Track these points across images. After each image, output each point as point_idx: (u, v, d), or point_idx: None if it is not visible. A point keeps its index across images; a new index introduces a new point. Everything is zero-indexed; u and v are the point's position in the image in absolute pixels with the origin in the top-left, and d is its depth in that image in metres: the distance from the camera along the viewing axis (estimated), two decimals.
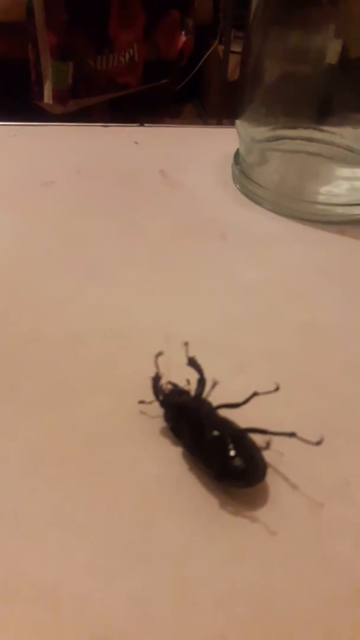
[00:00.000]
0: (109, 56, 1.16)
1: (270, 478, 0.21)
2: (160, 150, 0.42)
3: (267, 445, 0.20)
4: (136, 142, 0.42)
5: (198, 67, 1.50)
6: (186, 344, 0.23)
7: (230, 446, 0.20)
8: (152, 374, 0.22)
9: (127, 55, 1.19)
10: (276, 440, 0.21)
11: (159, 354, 0.23)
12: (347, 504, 0.21)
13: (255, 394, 0.22)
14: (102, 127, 0.44)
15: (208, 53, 1.56)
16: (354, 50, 0.40)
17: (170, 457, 0.22)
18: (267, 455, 0.21)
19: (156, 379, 0.22)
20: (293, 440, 0.21)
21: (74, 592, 0.18)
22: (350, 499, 0.21)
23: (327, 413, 0.24)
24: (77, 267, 0.30)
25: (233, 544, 0.19)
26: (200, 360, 0.24)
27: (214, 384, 0.22)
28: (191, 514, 0.20)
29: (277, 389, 0.22)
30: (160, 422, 0.23)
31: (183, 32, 1.24)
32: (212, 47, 1.57)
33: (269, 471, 0.21)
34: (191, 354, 0.24)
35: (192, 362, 0.23)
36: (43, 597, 0.18)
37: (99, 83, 1.16)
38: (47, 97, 1.06)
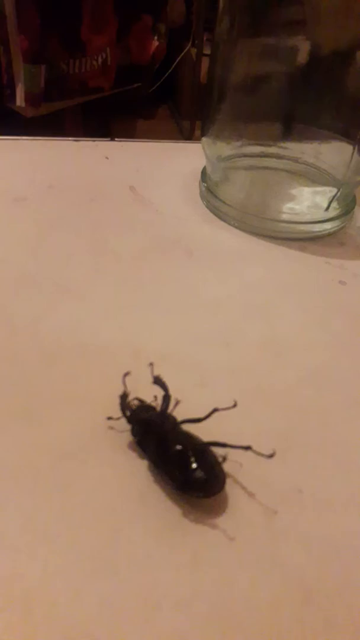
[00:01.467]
0: (81, 60, 1.16)
1: (229, 487, 0.23)
2: (130, 165, 0.43)
3: (224, 459, 0.22)
4: (107, 157, 0.44)
5: (171, 69, 1.51)
6: (151, 364, 0.25)
7: (192, 459, 0.22)
8: (120, 392, 0.24)
9: (99, 59, 1.19)
10: (236, 452, 0.23)
11: (127, 374, 0.24)
12: (299, 511, 0.23)
13: (215, 410, 0.23)
14: (73, 142, 0.45)
15: (181, 56, 1.58)
16: (318, 64, 0.42)
17: (136, 470, 0.23)
18: (226, 466, 0.23)
19: (123, 397, 0.24)
20: (251, 452, 0.23)
21: (44, 598, 0.19)
22: (302, 506, 0.23)
23: (283, 425, 0.26)
24: (48, 284, 0.32)
25: (194, 550, 0.21)
26: (166, 375, 0.25)
27: (176, 402, 0.24)
28: (155, 523, 0.22)
29: (234, 405, 0.23)
30: (127, 437, 0.24)
31: (155, 37, 1.25)
32: (185, 50, 1.58)
33: (228, 481, 0.23)
34: (157, 371, 0.25)
35: (157, 381, 0.24)
36: (15, 602, 0.19)
37: (72, 86, 1.16)
38: (20, 100, 1.06)
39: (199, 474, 0.21)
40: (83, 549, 0.21)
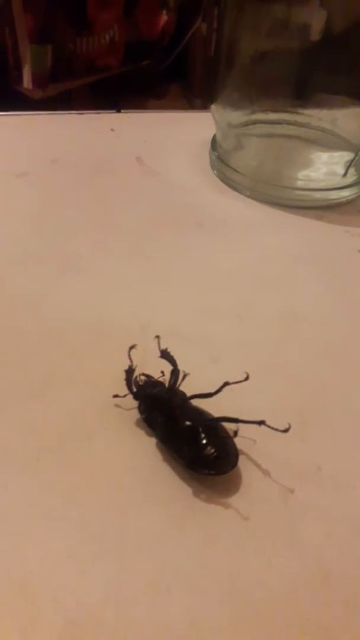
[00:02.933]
0: (88, 38, 1.14)
1: (243, 465, 0.21)
2: (136, 136, 0.41)
3: (235, 433, 0.21)
4: (112, 129, 0.42)
5: (182, 46, 1.47)
6: (158, 337, 0.24)
7: (202, 435, 0.21)
8: (126, 367, 0.23)
9: (107, 37, 1.17)
10: (249, 428, 0.22)
11: (132, 347, 0.23)
12: (317, 489, 0.21)
13: (226, 384, 0.22)
14: (78, 115, 0.44)
15: (192, 31, 1.54)
16: (335, 27, 0.39)
17: (144, 448, 0.22)
18: (239, 443, 0.22)
19: (129, 371, 0.22)
20: (265, 428, 0.22)
21: (48, 581, 0.18)
22: (321, 484, 0.21)
23: (300, 400, 0.25)
24: (52, 259, 0.30)
25: (205, 530, 0.20)
26: (175, 351, 0.24)
27: (184, 375, 0.22)
28: (165, 502, 0.20)
29: (246, 378, 0.22)
30: (134, 414, 0.23)
31: (164, 11, 1.22)
32: (196, 25, 1.55)
33: (242, 458, 0.22)
34: (165, 346, 0.24)
35: (165, 354, 0.23)
36: (18, 585, 0.18)
37: (79, 66, 1.14)
38: (27, 82, 1.04)
39: (210, 450, 0.20)
40: (89, 530, 0.20)
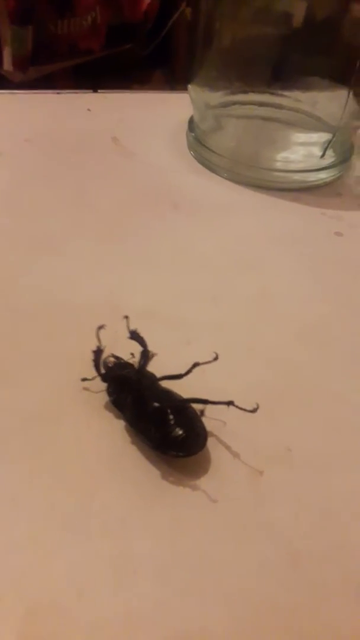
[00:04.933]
0: (70, 20, 1.11)
1: (212, 447, 0.21)
2: (113, 116, 0.40)
3: (202, 413, 0.20)
4: (89, 109, 0.41)
5: (166, 30, 1.44)
6: (126, 317, 0.23)
7: (171, 416, 0.20)
8: (94, 348, 0.22)
9: (89, 19, 1.14)
10: (219, 409, 0.21)
11: (101, 327, 0.22)
12: (287, 471, 0.21)
13: (196, 364, 0.21)
14: (54, 94, 0.43)
15: (176, 16, 1.52)
16: (316, 12, 0.39)
17: (112, 431, 0.22)
18: (209, 424, 0.21)
19: (97, 352, 0.22)
20: (235, 409, 0.21)
21: (10, 567, 0.18)
22: (290, 465, 0.21)
23: (273, 381, 0.24)
24: (23, 239, 0.30)
25: (173, 513, 0.19)
26: (149, 333, 0.23)
27: (152, 355, 0.22)
28: (132, 485, 0.20)
29: (216, 358, 0.22)
30: (103, 397, 0.22)
31: None
32: (180, 10, 1.53)
33: (211, 440, 0.21)
34: (139, 327, 0.23)
35: (134, 335, 0.22)
36: None
37: (61, 48, 1.11)
38: (7, 64, 1.02)
39: (178, 431, 0.20)
40: (53, 515, 0.19)
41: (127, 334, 0.23)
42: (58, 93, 0.43)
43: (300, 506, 0.20)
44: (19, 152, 0.36)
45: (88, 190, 0.33)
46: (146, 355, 0.22)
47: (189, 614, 0.17)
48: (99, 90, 0.44)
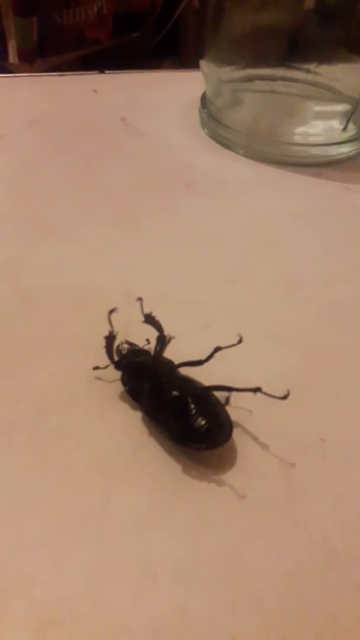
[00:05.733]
0: (75, 10, 1.09)
1: (238, 438, 0.19)
2: (121, 97, 0.39)
3: (227, 401, 0.19)
4: (95, 90, 0.39)
5: (174, 19, 1.42)
6: (140, 299, 0.21)
7: (192, 405, 0.18)
8: (106, 333, 0.20)
9: (94, 8, 1.12)
10: (244, 397, 0.20)
11: (113, 310, 0.20)
12: (321, 463, 0.19)
13: (218, 349, 0.20)
14: (58, 77, 0.41)
15: (184, 4, 1.49)
16: None
17: (128, 422, 0.20)
18: (233, 414, 0.19)
19: (110, 338, 0.20)
20: (262, 397, 0.19)
21: (20, 571, 0.16)
22: (324, 457, 0.19)
23: (300, 366, 0.22)
24: (29, 223, 0.28)
25: (197, 511, 0.18)
26: (164, 318, 0.21)
27: (169, 339, 0.20)
28: (151, 481, 0.18)
29: (240, 341, 0.20)
30: (118, 387, 0.21)
31: None
32: (184, 2, 1.50)
33: (237, 431, 0.19)
34: (152, 311, 0.22)
35: (149, 319, 0.21)
36: None
37: (67, 39, 1.09)
38: (12, 57, 1.00)
39: (200, 421, 0.18)
40: (65, 515, 0.18)
41: (142, 318, 0.21)
42: (62, 75, 0.41)
43: (336, 500, 0.18)
44: (23, 135, 0.34)
45: (96, 172, 0.32)
46: (163, 341, 0.20)
47: (216, 622, 0.16)
48: (105, 72, 0.42)
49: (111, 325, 0.20)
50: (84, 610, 0.16)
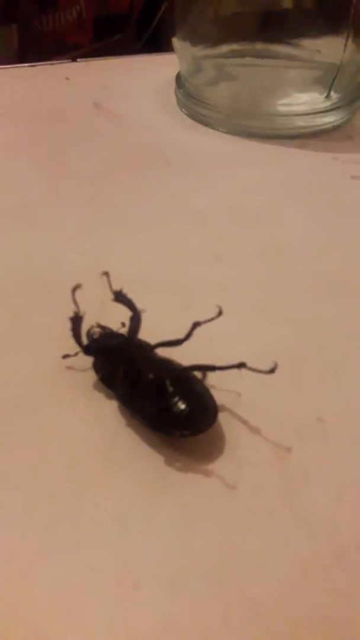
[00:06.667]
0: (54, 15, 1.08)
1: (226, 423, 0.17)
2: (94, 83, 0.37)
3: (204, 377, 0.16)
4: (67, 78, 0.37)
5: (156, 21, 1.40)
6: (106, 273, 0.19)
7: (170, 388, 0.16)
8: (71, 315, 0.18)
9: (74, 12, 1.10)
10: (231, 379, 0.17)
11: (77, 287, 0.18)
12: (321, 446, 0.17)
13: (197, 325, 0.17)
14: (29, 67, 0.39)
15: (165, 5, 1.49)
16: None
17: (103, 413, 0.18)
18: (220, 397, 0.17)
19: (76, 320, 0.18)
20: (251, 377, 0.17)
21: None
22: (325, 438, 0.17)
23: (296, 343, 0.20)
24: None
25: (182, 508, 0.16)
26: (142, 300, 0.19)
27: (139, 313, 0.18)
28: (129, 477, 0.16)
29: (220, 313, 0.18)
30: (91, 376, 0.19)
31: None
32: (166, 3, 1.49)
33: (224, 415, 0.17)
34: (129, 293, 0.19)
35: (120, 296, 0.18)
36: None
37: (48, 45, 1.07)
38: None
39: (181, 405, 0.16)
40: (32, 519, 0.15)
41: (111, 296, 0.19)
42: (32, 66, 0.39)
43: (341, 488, 0.16)
44: None
45: (67, 157, 0.30)
46: (137, 320, 0.18)
47: (209, 636, 0.13)
48: (77, 60, 0.40)
49: (76, 305, 0.18)
50: (53, 629, 0.13)
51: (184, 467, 0.16)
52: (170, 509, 0.16)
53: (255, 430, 0.17)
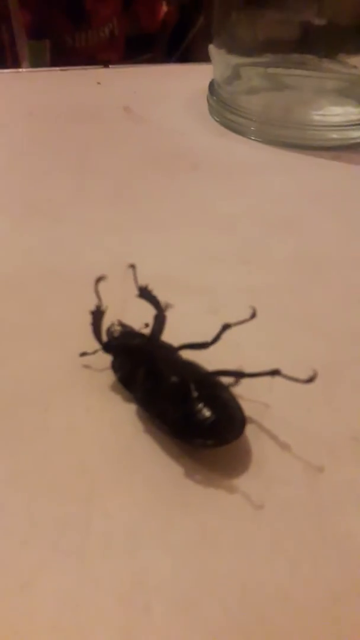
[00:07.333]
0: (87, 32, 1.10)
1: (253, 437, 0.16)
2: (125, 88, 0.36)
3: (236, 382, 0.15)
4: (98, 83, 0.37)
5: (187, 41, 1.42)
6: (132, 266, 0.18)
7: (195, 393, 0.15)
8: (92, 308, 0.17)
9: (106, 30, 1.12)
10: (260, 390, 0.16)
11: (100, 279, 0.17)
12: (356, 466, 0.15)
13: (226, 327, 0.16)
14: (61, 71, 0.39)
15: (197, 27, 1.51)
16: None
17: (119, 416, 0.16)
18: (248, 409, 0.16)
19: (97, 313, 0.17)
20: (282, 389, 0.16)
21: None
22: (358, 459, 0.15)
23: (326, 355, 0.19)
24: (17, 205, 0.25)
25: (201, 525, 0.14)
26: (167, 301, 0.18)
27: (166, 306, 0.17)
28: (145, 488, 0.15)
29: (253, 315, 0.16)
30: (109, 376, 0.17)
31: (164, 2, 1.18)
32: (200, 21, 1.52)
33: (252, 428, 0.16)
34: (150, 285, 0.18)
35: (145, 293, 0.17)
36: None
37: (80, 61, 1.08)
38: None
39: (206, 412, 0.15)
40: (37, 527, 0.14)
41: (135, 293, 0.18)
42: (64, 70, 0.39)
43: None
44: (21, 124, 0.32)
45: (94, 156, 0.29)
46: (161, 319, 0.17)
47: None
48: (110, 66, 0.40)
49: (99, 298, 0.17)
50: None
51: (205, 480, 0.15)
52: (187, 526, 0.14)
53: (284, 447, 0.16)
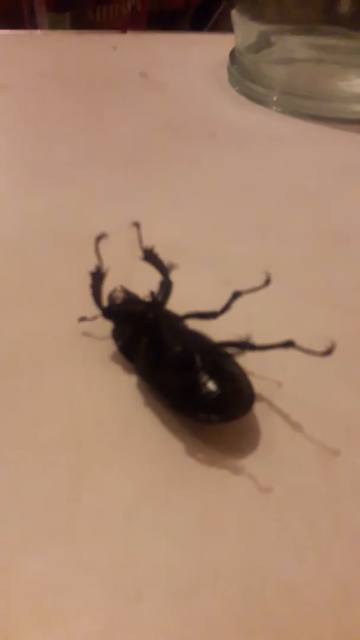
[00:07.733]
0: (109, 6, 1.07)
1: (262, 415, 0.14)
2: (141, 55, 0.35)
3: (245, 353, 0.14)
4: (115, 48, 0.35)
5: (212, 21, 1.39)
6: (136, 224, 0.17)
7: (200, 364, 0.14)
8: (92, 269, 0.16)
9: (128, 5, 1.10)
10: (271, 366, 0.15)
11: (101, 237, 0.16)
12: None
13: (237, 295, 0.15)
14: (76, 35, 0.37)
15: (222, 7, 1.47)
16: None
17: (119, 387, 0.15)
18: (258, 386, 0.14)
19: (97, 275, 0.15)
20: (295, 365, 0.15)
21: None
22: None
23: (346, 331, 0.17)
24: (23, 167, 0.24)
25: (202, 506, 0.13)
26: (175, 271, 0.17)
27: (171, 267, 0.15)
28: (142, 464, 0.14)
29: (267, 281, 0.15)
30: (109, 345, 0.16)
31: None
32: (224, 3, 1.48)
33: (261, 406, 0.15)
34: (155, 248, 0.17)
35: (150, 256, 0.16)
36: None
37: None
38: None
39: (211, 385, 0.13)
40: (22, 505, 0.13)
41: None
42: (80, 33, 0.37)
43: None
44: (30, 85, 0.31)
45: (106, 120, 0.28)
46: (167, 286, 0.16)
47: None
48: (127, 32, 0.38)
49: (99, 258, 0.16)
50: (41, 637, 0.11)
51: (207, 459, 0.14)
52: (187, 507, 0.13)
53: (297, 427, 0.14)
